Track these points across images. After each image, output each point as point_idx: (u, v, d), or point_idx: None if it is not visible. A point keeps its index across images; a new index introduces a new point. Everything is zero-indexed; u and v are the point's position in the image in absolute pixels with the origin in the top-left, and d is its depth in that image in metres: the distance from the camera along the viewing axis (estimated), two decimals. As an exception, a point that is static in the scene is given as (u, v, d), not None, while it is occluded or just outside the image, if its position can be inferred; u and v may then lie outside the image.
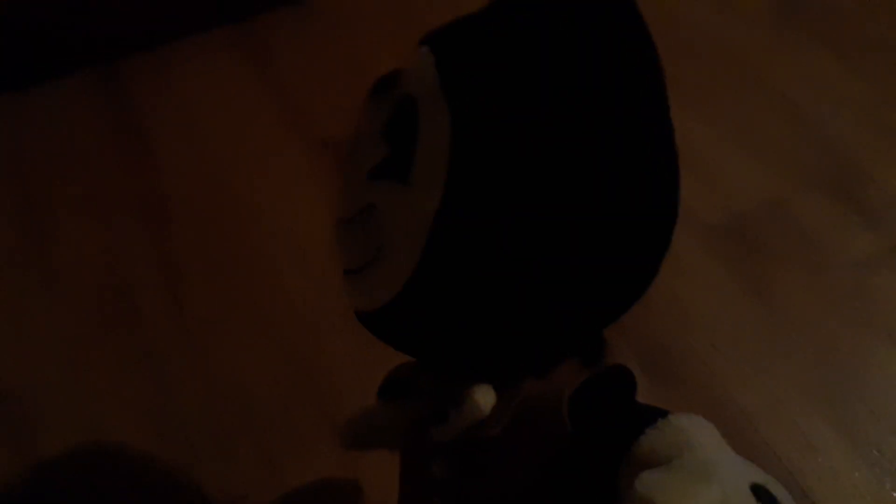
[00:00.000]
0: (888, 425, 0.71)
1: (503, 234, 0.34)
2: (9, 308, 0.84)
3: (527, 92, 0.33)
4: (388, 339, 0.42)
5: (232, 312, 0.81)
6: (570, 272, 0.36)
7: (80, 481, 0.71)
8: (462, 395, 0.39)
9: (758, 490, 0.36)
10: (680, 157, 0.99)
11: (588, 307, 0.39)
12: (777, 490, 0.38)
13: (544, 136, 0.33)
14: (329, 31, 1.09)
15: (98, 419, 0.75)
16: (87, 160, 0.97)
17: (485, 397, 0.39)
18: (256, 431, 0.73)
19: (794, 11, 1.07)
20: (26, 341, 0.81)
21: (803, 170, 0.90)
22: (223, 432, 0.73)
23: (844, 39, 1.03)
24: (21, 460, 0.72)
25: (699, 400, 0.71)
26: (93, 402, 0.76)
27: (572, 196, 0.33)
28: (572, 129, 0.33)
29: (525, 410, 0.41)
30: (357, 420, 0.57)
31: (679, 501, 0.33)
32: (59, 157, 0.98)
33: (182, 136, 0.99)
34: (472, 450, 0.41)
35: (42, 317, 0.83)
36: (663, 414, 0.39)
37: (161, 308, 0.82)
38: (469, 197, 0.33)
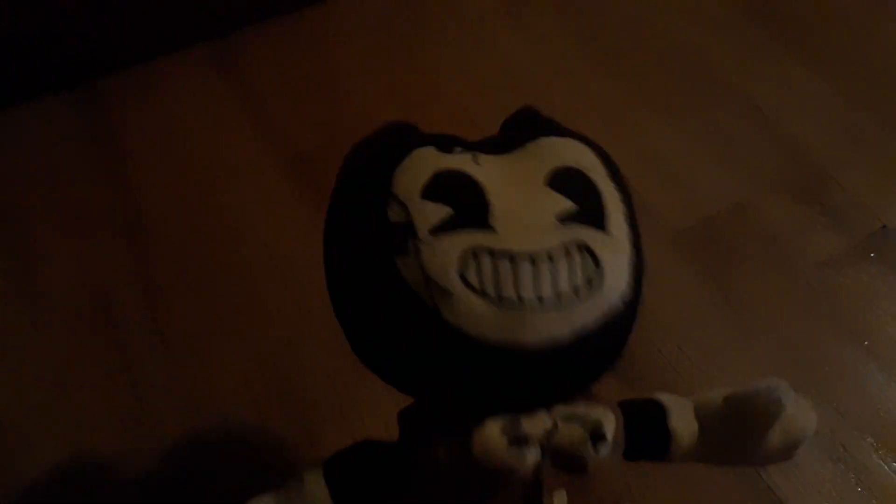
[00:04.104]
0: (853, 422, 0.73)
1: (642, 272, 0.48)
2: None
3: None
4: (529, 375, 0.45)
5: (210, 328, 0.83)
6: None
7: (60, 498, 0.72)
8: (601, 415, 0.45)
9: None
10: (650, 163, 1.02)
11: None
12: None
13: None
14: (304, 48, 1.10)
15: (78, 435, 0.75)
16: (66, 179, 0.98)
17: (612, 414, 0.46)
18: (234, 446, 0.74)
19: (762, 20, 1.10)
20: (6, 359, 0.82)
21: (769, 173, 0.92)
22: (202, 447, 0.74)
23: (810, 47, 1.06)
24: (2, 478, 0.73)
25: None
26: (73, 418, 0.77)
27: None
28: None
29: None
30: None
31: None
32: (39, 177, 0.99)
33: (160, 153, 1.00)
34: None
35: (23, 334, 0.84)
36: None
37: (140, 324, 0.83)
38: (639, 248, 0.47)
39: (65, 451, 0.75)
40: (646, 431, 0.51)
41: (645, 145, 0.95)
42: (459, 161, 0.46)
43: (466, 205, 0.44)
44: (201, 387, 0.78)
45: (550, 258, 0.43)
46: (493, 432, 0.44)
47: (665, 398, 0.52)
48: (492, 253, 0.43)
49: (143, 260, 0.89)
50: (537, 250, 0.43)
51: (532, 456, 0.43)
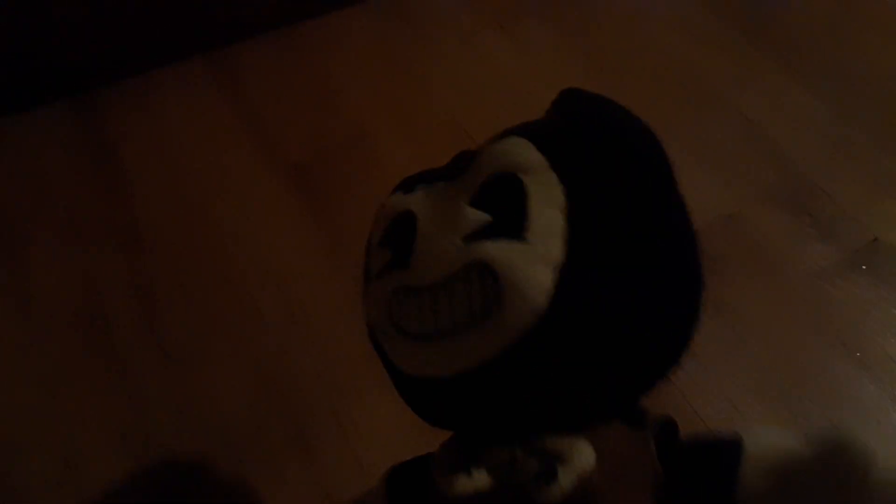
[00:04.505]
0: (845, 432, 0.73)
1: (615, 282, 0.40)
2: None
3: (611, 175, 0.41)
4: (462, 406, 0.42)
5: (205, 336, 0.83)
6: (649, 326, 0.42)
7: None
8: (566, 448, 0.40)
9: None
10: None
11: (650, 361, 0.44)
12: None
13: (628, 204, 0.41)
14: (298, 60, 1.11)
15: (73, 443, 0.75)
16: (62, 188, 0.98)
17: (588, 448, 0.40)
18: (230, 451, 0.74)
19: (753, 34, 1.11)
20: (1, 369, 0.82)
21: (760, 185, 0.93)
22: (197, 454, 0.74)
23: (801, 61, 1.07)
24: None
25: (658, 408, 0.73)
26: (68, 426, 0.76)
27: (649, 257, 0.41)
28: (641, 203, 0.42)
29: (616, 460, 0.41)
30: None
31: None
32: (35, 186, 0.99)
33: (156, 162, 1.01)
34: None
35: (17, 342, 0.84)
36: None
37: (136, 332, 0.83)
38: (589, 247, 0.39)
39: (58, 459, 0.74)
40: (708, 476, 0.43)
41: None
42: (413, 200, 0.44)
43: (399, 245, 0.43)
44: (196, 394, 0.78)
45: (446, 287, 0.39)
46: (444, 456, 0.43)
47: (748, 441, 0.44)
48: (407, 290, 0.41)
49: (138, 268, 0.89)
50: (439, 280, 0.40)
51: (461, 485, 0.40)
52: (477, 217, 0.40)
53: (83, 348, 0.83)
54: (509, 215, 0.39)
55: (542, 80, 1.07)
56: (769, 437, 0.44)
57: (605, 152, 0.42)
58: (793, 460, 0.42)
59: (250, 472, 0.73)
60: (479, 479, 0.40)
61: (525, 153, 0.41)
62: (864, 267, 0.85)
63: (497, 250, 0.38)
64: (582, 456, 0.40)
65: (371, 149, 1.00)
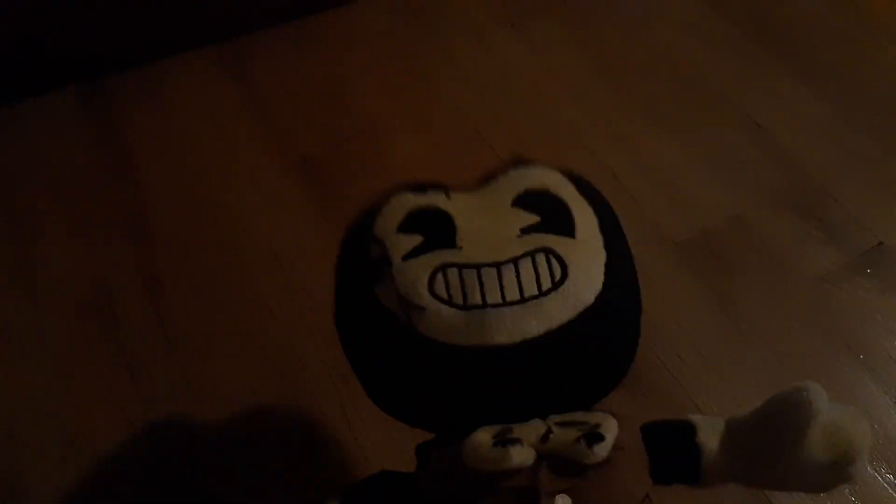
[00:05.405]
0: (847, 433, 0.73)
1: (628, 279, 0.49)
2: (-9, 322, 0.85)
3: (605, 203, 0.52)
4: (533, 367, 0.45)
5: (212, 326, 0.83)
6: (635, 308, 0.50)
7: (59, 493, 0.72)
8: (601, 419, 0.45)
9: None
10: (652, 176, 1.03)
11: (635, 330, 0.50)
12: None
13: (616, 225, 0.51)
14: (309, 53, 1.11)
15: (78, 430, 0.76)
16: (70, 176, 0.98)
17: (614, 420, 0.45)
18: (234, 441, 0.74)
19: (763, 39, 1.11)
20: (8, 355, 0.82)
21: (767, 188, 0.93)
22: (201, 442, 0.74)
23: (809, 66, 1.07)
24: (0, 472, 0.73)
25: (665, 407, 0.74)
26: (74, 415, 0.77)
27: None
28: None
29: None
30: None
31: None
32: (43, 173, 0.99)
33: (165, 152, 1.01)
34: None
35: (25, 330, 0.84)
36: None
37: (143, 322, 0.84)
38: (616, 253, 0.48)
39: (63, 446, 0.75)
40: (672, 448, 0.49)
41: (647, 159, 0.96)
42: (431, 198, 0.49)
43: (435, 231, 0.47)
44: (202, 384, 0.78)
45: (515, 264, 0.45)
46: (481, 436, 0.43)
47: (696, 418, 0.50)
48: (458, 267, 0.45)
49: (145, 257, 0.89)
50: (502, 259, 0.45)
51: (519, 455, 0.42)
52: (527, 216, 0.47)
53: (90, 337, 0.83)
54: (556, 218, 0.47)
55: (553, 81, 1.07)
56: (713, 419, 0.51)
57: (593, 189, 0.52)
58: (740, 421, 0.49)
59: (255, 462, 0.73)
60: (528, 452, 0.43)
61: (556, 177, 0.50)
62: (868, 271, 0.85)
63: (560, 241, 0.46)
64: (616, 425, 0.44)
65: (381, 143, 1.00)
